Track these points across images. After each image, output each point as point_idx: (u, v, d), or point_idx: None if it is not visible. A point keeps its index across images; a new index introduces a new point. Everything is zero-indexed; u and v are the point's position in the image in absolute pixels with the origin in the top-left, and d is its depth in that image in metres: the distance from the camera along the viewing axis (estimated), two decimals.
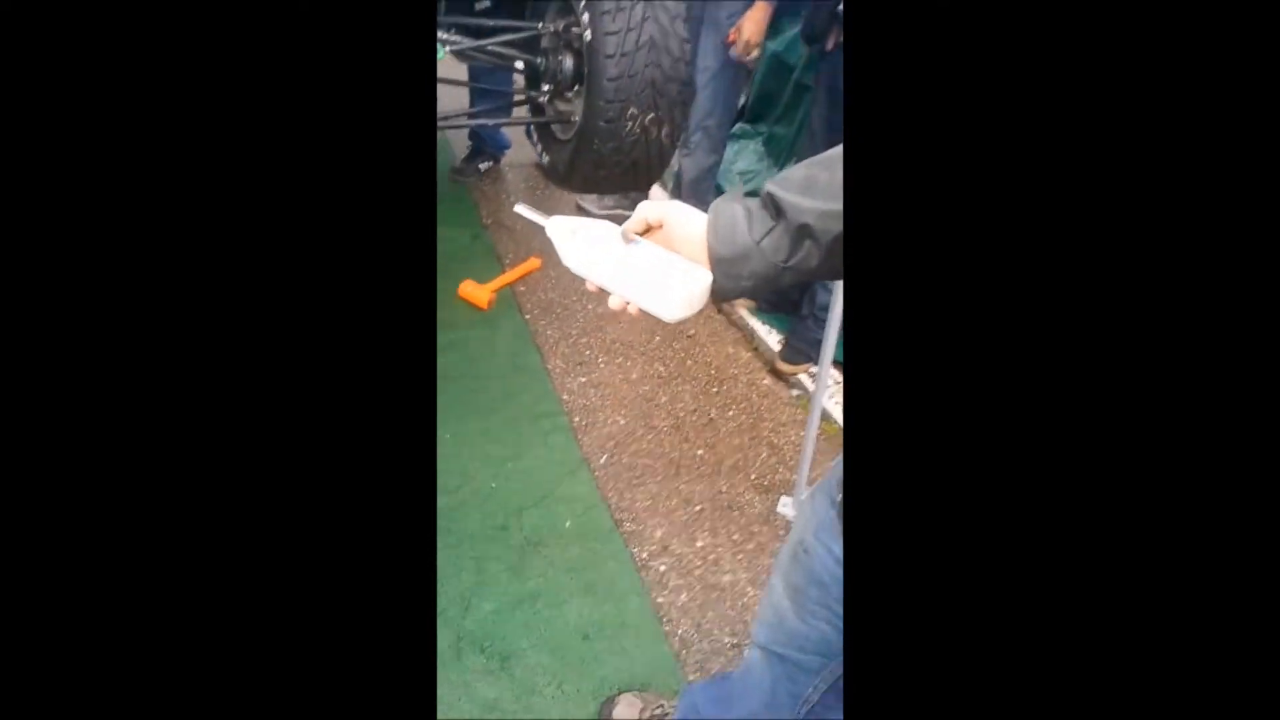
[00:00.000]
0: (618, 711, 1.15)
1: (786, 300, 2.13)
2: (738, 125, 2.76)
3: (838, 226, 0.52)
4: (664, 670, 1.28)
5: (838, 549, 0.65)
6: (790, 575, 0.71)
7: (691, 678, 1.28)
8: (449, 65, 2.78)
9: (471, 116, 2.43)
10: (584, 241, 0.64)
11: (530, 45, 1.97)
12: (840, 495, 0.65)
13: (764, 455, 1.78)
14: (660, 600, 1.39)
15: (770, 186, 0.55)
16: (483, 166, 2.67)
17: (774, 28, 2.27)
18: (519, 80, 2.24)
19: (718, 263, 0.58)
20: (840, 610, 0.67)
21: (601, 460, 1.67)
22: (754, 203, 0.57)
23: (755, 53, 2.15)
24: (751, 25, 2.06)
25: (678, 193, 2.44)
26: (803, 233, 0.54)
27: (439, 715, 1.02)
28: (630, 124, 1.74)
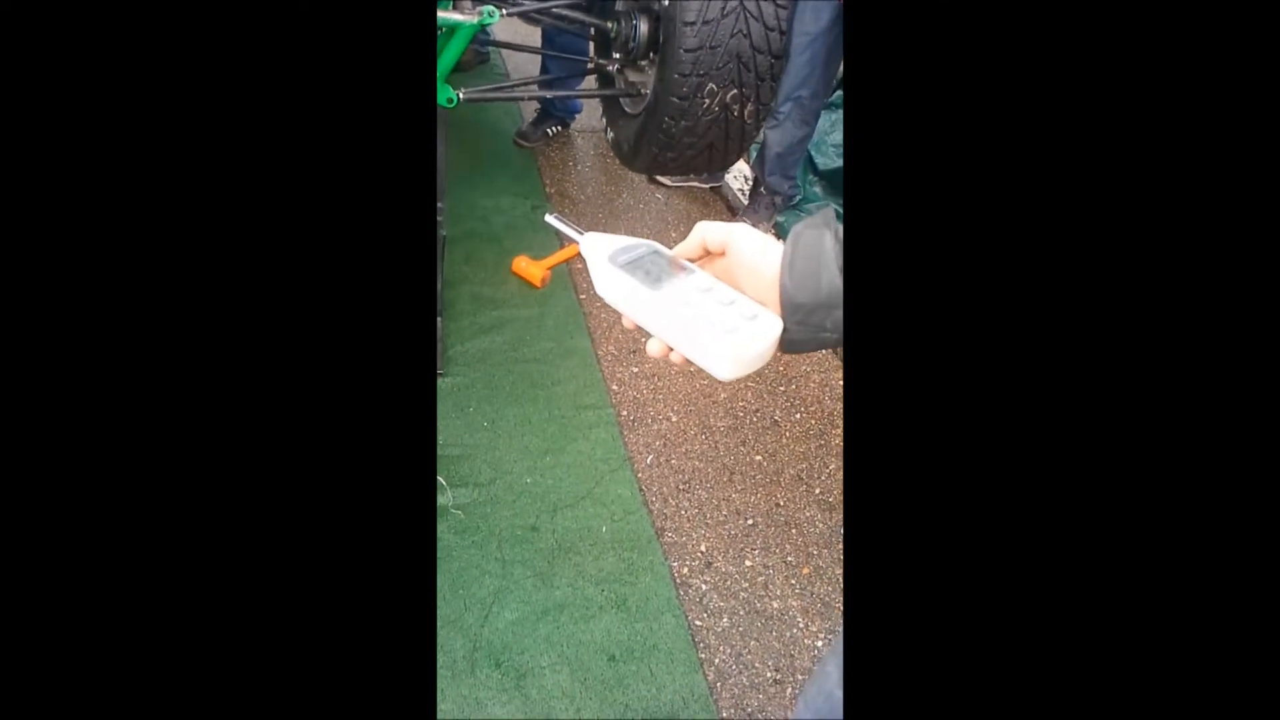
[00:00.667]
0: None
1: None
2: (836, 94, 2.49)
3: None
4: (695, 703, 1.15)
5: None
6: None
7: (725, 714, 1.15)
8: (517, 27, 2.67)
9: (541, 86, 2.30)
10: (624, 267, 0.49)
11: (603, 9, 1.80)
12: None
13: (832, 467, 1.60)
14: (698, 623, 1.26)
15: None
16: (551, 131, 2.54)
17: None
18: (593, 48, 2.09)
19: (792, 309, 0.44)
20: None
21: (648, 460, 1.54)
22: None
23: None
24: None
25: (760, 167, 2.22)
26: None
27: None
28: (708, 101, 1.55)
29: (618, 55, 1.82)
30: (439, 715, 1.09)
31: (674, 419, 1.65)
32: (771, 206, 2.28)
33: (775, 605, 1.32)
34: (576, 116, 2.59)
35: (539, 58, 2.37)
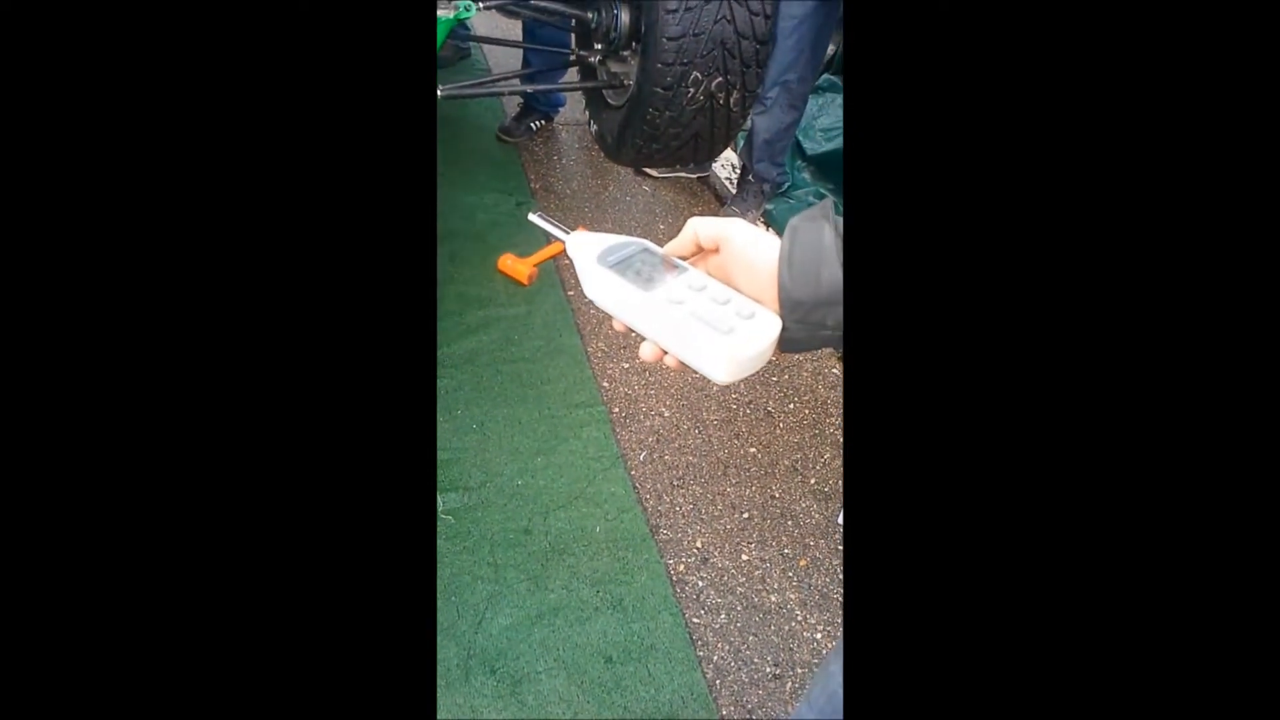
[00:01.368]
0: None
1: None
2: (823, 77, 2.46)
3: None
4: (694, 702, 1.14)
5: None
6: None
7: (725, 712, 1.14)
8: (497, 22, 2.62)
9: (523, 80, 2.26)
10: (613, 267, 0.47)
11: None
12: None
13: (827, 456, 1.59)
14: (695, 620, 1.25)
15: None
16: (534, 125, 2.50)
17: None
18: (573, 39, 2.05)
19: (791, 307, 0.42)
20: None
21: (640, 457, 1.52)
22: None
23: None
24: None
25: (748, 154, 2.19)
26: None
27: None
28: (692, 90, 1.51)
29: (599, 46, 1.78)
30: None
31: (666, 414, 1.63)
32: (760, 195, 2.25)
33: (773, 599, 1.31)
34: (560, 110, 2.56)
35: (521, 52, 2.33)
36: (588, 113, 1.92)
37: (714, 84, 1.54)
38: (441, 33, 1.60)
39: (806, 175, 2.41)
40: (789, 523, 1.44)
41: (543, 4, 1.76)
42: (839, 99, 2.48)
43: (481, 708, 1.09)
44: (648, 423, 1.60)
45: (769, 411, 1.68)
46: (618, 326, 0.48)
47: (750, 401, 1.70)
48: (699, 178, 2.46)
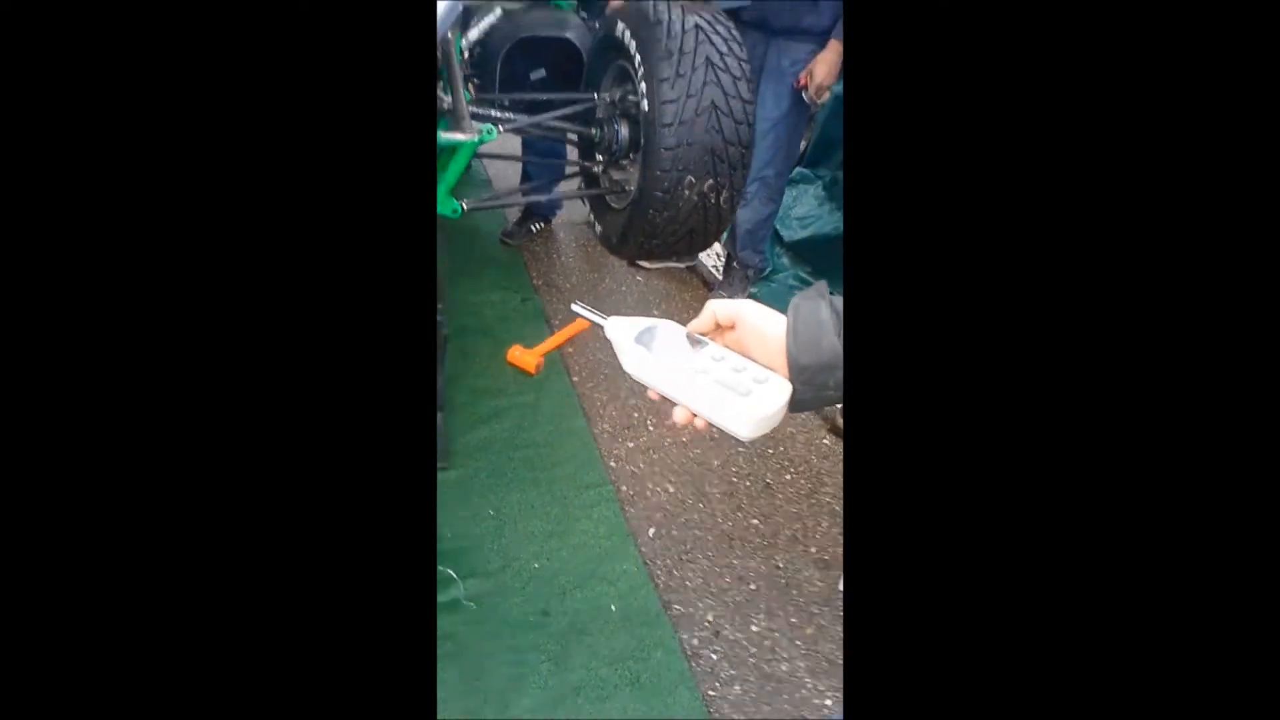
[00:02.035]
0: None
1: None
2: (796, 170, 2.69)
3: None
4: None
5: None
6: None
7: None
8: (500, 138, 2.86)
9: (525, 194, 2.47)
10: (646, 344, 0.57)
11: (584, 116, 1.98)
12: None
13: (825, 525, 1.66)
14: (711, 693, 1.29)
15: None
16: (535, 228, 2.71)
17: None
18: (572, 150, 2.26)
19: (798, 371, 0.51)
20: None
21: (649, 533, 1.59)
22: (841, 301, 0.51)
23: (826, 95, 2.08)
24: (824, 68, 1.98)
25: (732, 244, 2.38)
26: None
27: None
28: (687, 192, 1.69)
29: (601, 157, 1.97)
30: None
31: (671, 489, 1.71)
32: (745, 280, 2.42)
33: (784, 668, 1.35)
34: (558, 213, 2.77)
35: (517, 162, 2.54)
36: (591, 215, 2.09)
37: (706, 185, 1.72)
38: (467, 155, 1.78)
39: (786, 260, 2.59)
40: (794, 592, 1.50)
41: (553, 124, 1.96)
42: (811, 189, 2.70)
43: None
44: (654, 499, 1.68)
45: (768, 483, 1.77)
46: (652, 395, 0.57)
47: (749, 474, 1.78)
48: (688, 267, 2.63)
